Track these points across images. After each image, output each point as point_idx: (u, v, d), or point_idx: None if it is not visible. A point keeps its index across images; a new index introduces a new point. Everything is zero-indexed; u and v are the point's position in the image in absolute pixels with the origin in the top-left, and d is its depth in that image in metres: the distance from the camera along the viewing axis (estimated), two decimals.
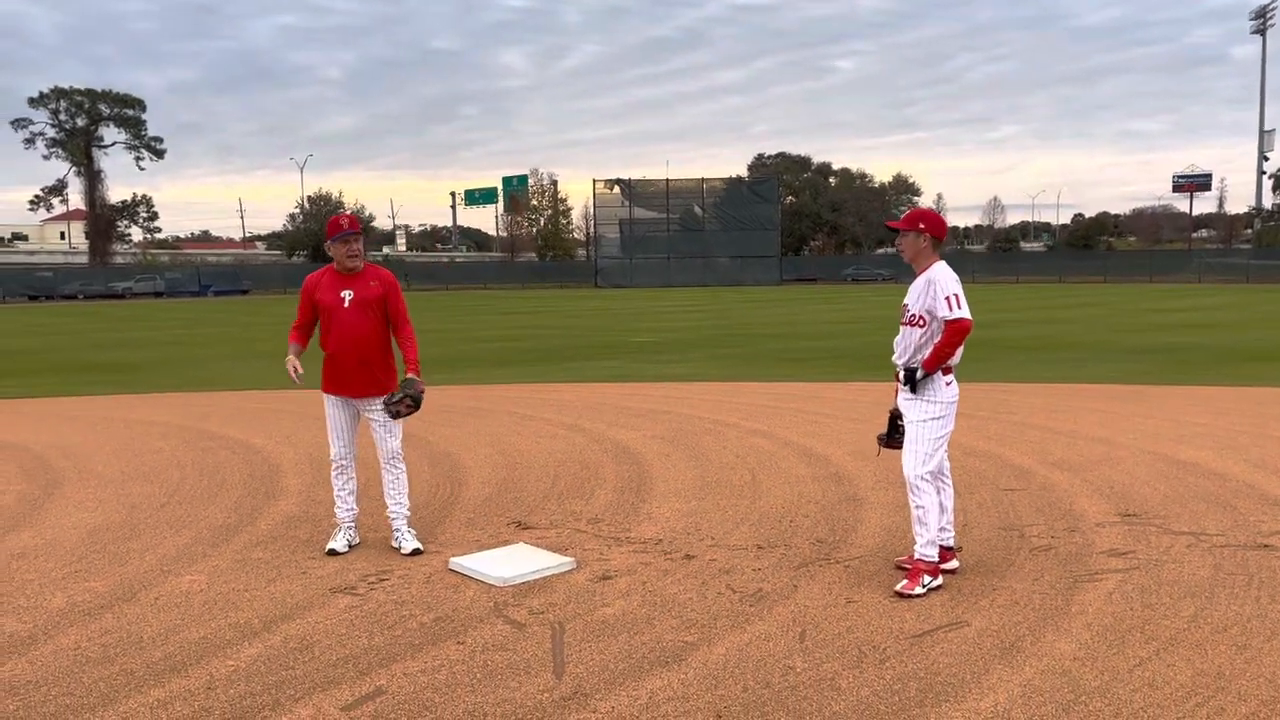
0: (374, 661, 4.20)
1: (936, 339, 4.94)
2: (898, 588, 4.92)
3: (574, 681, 3.96)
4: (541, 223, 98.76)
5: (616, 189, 77.52)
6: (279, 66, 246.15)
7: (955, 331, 4.89)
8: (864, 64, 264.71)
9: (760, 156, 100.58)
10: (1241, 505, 6.49)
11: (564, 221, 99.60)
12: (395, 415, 5.74)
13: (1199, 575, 5.10)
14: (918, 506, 5.02)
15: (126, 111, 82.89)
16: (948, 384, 5.02)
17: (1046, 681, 3.86)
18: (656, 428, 9.92)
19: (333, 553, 5.77)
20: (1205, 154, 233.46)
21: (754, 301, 44.49)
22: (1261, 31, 79.93)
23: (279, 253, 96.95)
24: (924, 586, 4.89)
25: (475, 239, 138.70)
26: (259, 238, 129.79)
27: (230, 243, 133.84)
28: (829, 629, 4.47)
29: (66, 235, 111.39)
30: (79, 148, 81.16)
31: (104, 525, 6.56)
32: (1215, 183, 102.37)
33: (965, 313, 4.90)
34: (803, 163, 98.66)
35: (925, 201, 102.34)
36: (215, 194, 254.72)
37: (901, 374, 5.09)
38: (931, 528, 4.99)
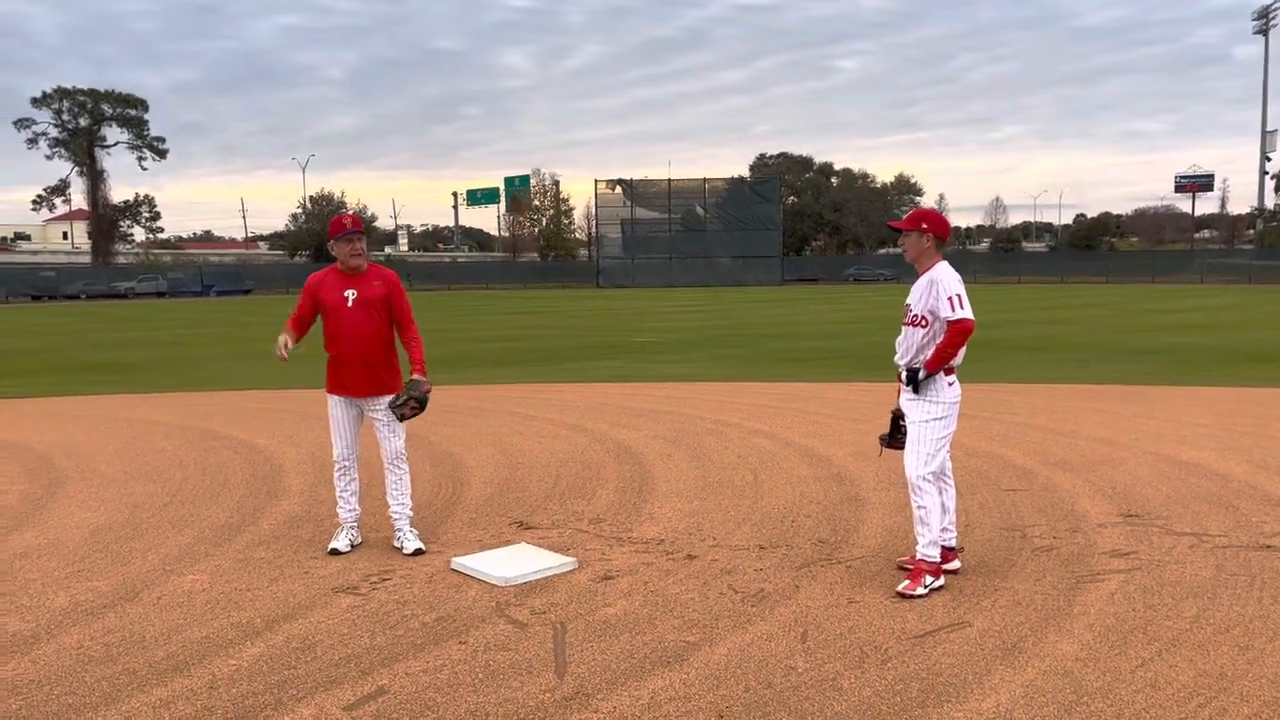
0: (376, 661, 4.20)
1: (939, 339, 4.94)
2: (900, 588, 4.92)
3: (576, 681, 3.97)
4: (543, 223, 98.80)
5: (618, 189, 77.55)
6: (281, 66, 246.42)
7: (957, 332, 4.89)
8: (866, 64, 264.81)
9: (762, 156, 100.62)
10: (1244, 506, 6.49)
11: (566, 221, 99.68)
12: (401, 418, 5.74)
13: (1201, 576, 5.09)
14: (920, 507, 5.02)
15: (129, 111, 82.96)
16: (950, 384, 5.02)
17: (1048, 682, 3.86)
18: (658, 428, 9.93)
19: (335, 552, 5.77)
20: (1207, 154, 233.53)
21: (756, 301, 44.49)
22: (1264, 32, 79.86)
23: (281, 253, 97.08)
24: (926, 587, 4.89)
25: (477, 239, 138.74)
26: (261, 238, 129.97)
27: (232, 243, 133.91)
28: (831, 629, 4.47)
29: (69, 235, 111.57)
30: (81, 148, 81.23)
31: (107, 525, 6.57)
32: (1217, 183, 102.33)
33: (968, 313, 4.90)
34: (804, 163, 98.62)
35: (927, 201, 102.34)
36: (217, 194, 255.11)
37: (904, 374, 5.09)
38: (933, 528, 4.99)
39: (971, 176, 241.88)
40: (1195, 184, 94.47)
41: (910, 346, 5.06)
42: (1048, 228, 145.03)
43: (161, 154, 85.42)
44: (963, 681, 3.88)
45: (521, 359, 18.98)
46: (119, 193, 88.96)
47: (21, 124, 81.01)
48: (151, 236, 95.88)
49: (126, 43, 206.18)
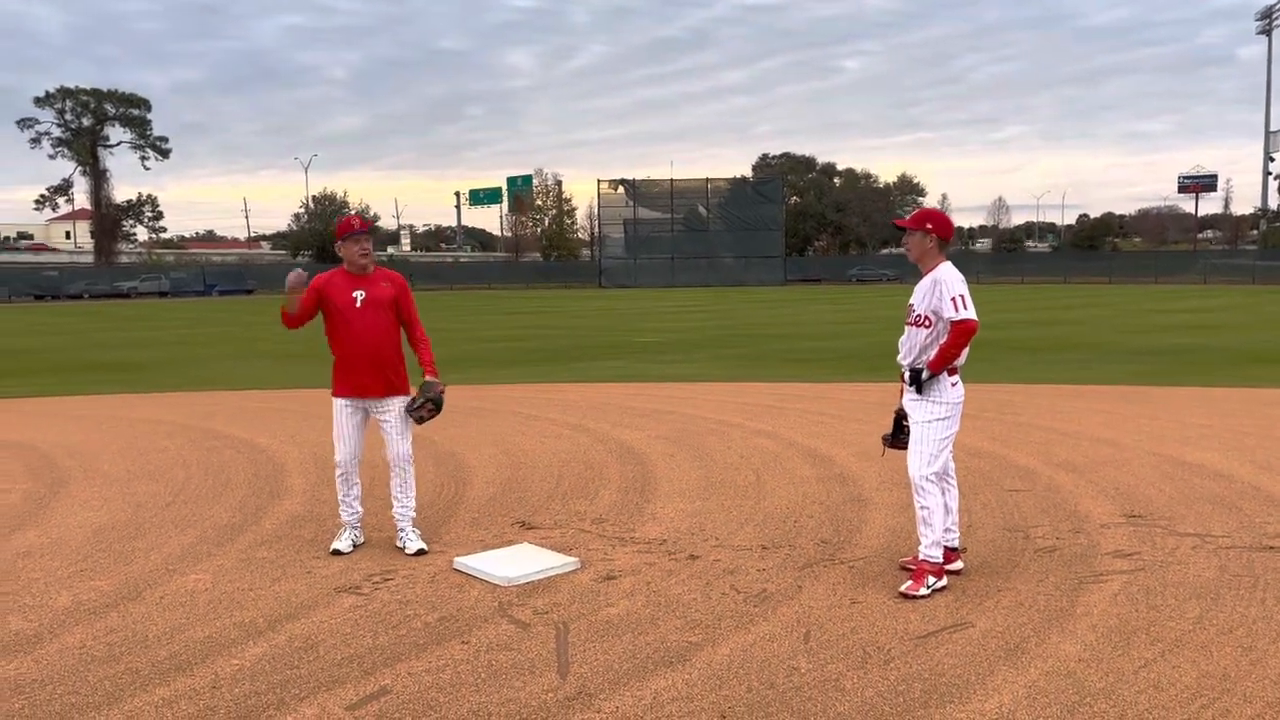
0: (378, 661, 4.20)
1: (942, 339, 4.94)
2: (902, 588, 4.91)
3: (578, 681, 3.97)
4: (546, 223, 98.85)
5: (621, 189, 77.58)
6: (284, 66, 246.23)
7: (961, 332, 4.88)
8: (870, 64, 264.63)
9: (765, 156, 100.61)
10: (1247, 507, 6.48)
11: (568, 222, 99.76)
12: (419, 420, 5.74)
13: (1204, 577, 5.09)
14: (923, 507, 5.02)
15: (132, 111, 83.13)
16: (953, 385, 5.02)
17: (1051, 683, 3.86)
18: (661, 428, 9.92)
19: (337, 552, 5.77)
20: (1211, 155, 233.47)
21: (758, 302, 44.48)
22: (1267, 32, 79.79)
23: (284, 252, 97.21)
24: (929, 587, 4.88)
25: (480, 239, 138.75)
26: (264, 237, 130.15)
27: (235, 242, 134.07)
28: (833, 630, 4.47)
29: (72, 235, 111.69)
30: (84, 147, 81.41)
31: (109, 524, 6.57)
32: (1221, 183, 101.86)
33: (971, 313, 4.90)
34: (807, 163, 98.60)
35: (930, 202, 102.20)
36: (220, 194, 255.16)
37: (907, 374, 5.09)
38: (936, 528, 4.98)
39: (974, 177, 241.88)
40: (1198, 184, 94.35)
41: (913, 347, 5.06)
42: (1050, 228, 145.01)
43: (164, 154, 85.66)
44: (965, 682, 3.88)
45: (524, 359, 18.98)
46: (122, 192, 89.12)
47: (25, 124, 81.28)
48: (154, 236, 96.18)
49: (130, 43, 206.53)
